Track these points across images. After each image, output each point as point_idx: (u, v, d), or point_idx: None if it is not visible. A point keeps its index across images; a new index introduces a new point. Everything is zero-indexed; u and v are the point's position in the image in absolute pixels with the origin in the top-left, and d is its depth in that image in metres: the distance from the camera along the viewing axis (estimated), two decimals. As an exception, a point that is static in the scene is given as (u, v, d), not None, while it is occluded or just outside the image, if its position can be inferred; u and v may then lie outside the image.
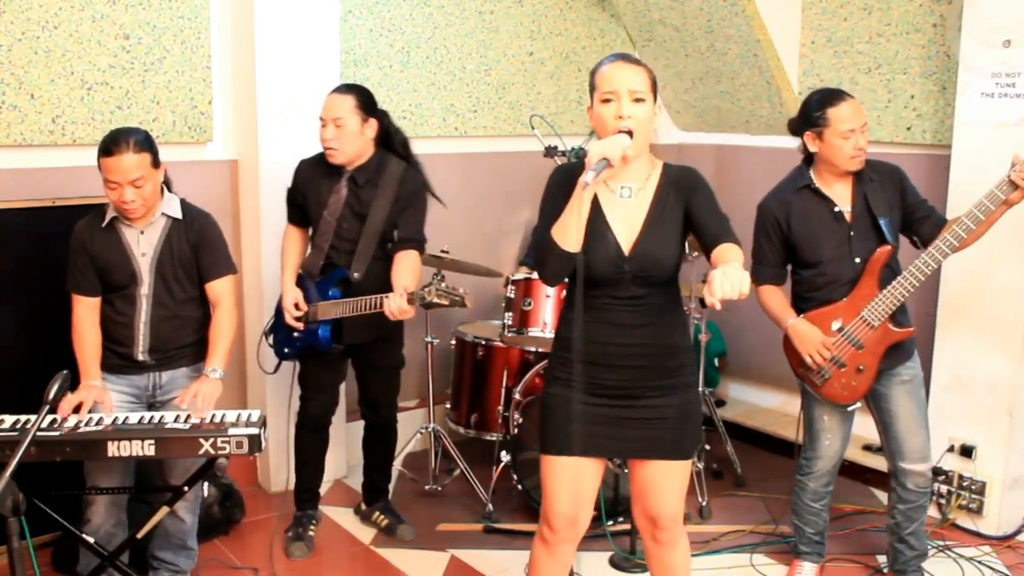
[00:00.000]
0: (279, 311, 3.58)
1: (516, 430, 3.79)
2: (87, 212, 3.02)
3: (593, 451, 2.48)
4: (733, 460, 4.36)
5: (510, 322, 3.94)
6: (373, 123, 3.38)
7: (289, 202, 3.57)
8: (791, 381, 3.30)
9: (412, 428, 4.25)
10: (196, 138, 3.92)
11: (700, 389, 3.99)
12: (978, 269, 3.63)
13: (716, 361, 5.06)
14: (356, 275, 3.41)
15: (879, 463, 4.16)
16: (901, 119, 4.18)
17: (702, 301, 2.50)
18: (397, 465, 4.02)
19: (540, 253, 2.41)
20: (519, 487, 3.80)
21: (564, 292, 3.79)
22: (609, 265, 2.38)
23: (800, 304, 3.17)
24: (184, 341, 3.05)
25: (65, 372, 2.36)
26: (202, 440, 2.71)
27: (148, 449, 2.70)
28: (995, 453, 3.72)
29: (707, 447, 4.24)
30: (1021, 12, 3.50)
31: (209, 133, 3.96)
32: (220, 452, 2.72)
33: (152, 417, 2.81)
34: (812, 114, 3.05)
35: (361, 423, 3.81)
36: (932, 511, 3.84)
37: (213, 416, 2.82)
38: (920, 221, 3.11)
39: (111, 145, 2.79)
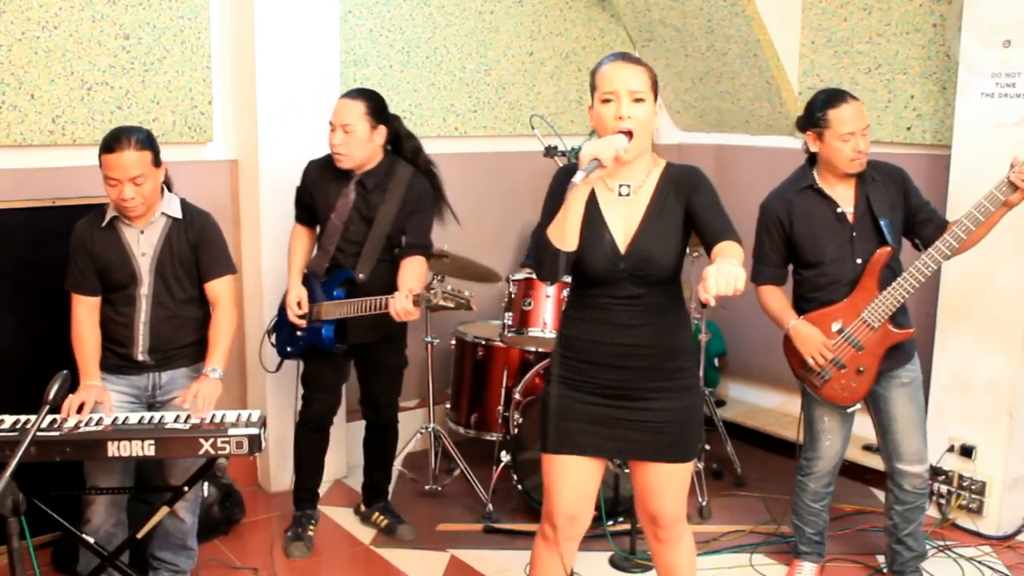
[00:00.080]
0: (282, 309, 3.58)
1: (516, 430, 3.79)
2: (87, 212, 3.02)
3: (593, 451, 2.48)
4: (733, 460, 4.36)
5: (510, 322, 3.94)
6: (382, 130, 3.38)
7: (297, 202, 3.57)
8: (791, 381, 3.30)
9: (412, 428, 4.25)
10: (196, 138, 3.92)
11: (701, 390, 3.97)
12: (978, 270, 3.63)
13: (716, 361, 5.06)
14: (361, 276, 3.41)
15: (879, 463, 4.15)
16: (901, 119, 4.18)
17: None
18: (397, 465, 4.02)
19: (537, 253, 2.41)
20: (519, 487, 3.80)
21: (564, 292, 3.84)
22: (605, 263, 2.38)
23: (801, 304, 3.17)
24: (184, 341, 3.05)
25: (65, 372, 2.36)
26: (202, 440, 2.71)
27: (148, 449, 2.70)
28: (995, 453, 3.72)
29: (707, 447, 4.24)
30: (1021, 12, 3.49)
31: (209, 133, 3.96)
32: (220, 452, 2.72)
33: (152, 417, 2.81)
34: (814, 114, 3.05)
35: (361, 423, 3.81)
36: (932, 511, 3.84)
37: (213, 416, 2.82)
38: (922, 224, 3.10)
39: (112, 142, 2.80)
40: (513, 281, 3.98)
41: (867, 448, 4.29)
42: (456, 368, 4.29)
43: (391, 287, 3.31)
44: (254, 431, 2.74)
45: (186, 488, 2.89)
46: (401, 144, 3.50)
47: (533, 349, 4.03)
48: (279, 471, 4.15)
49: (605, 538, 3.55)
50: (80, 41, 3.58)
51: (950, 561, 3.56)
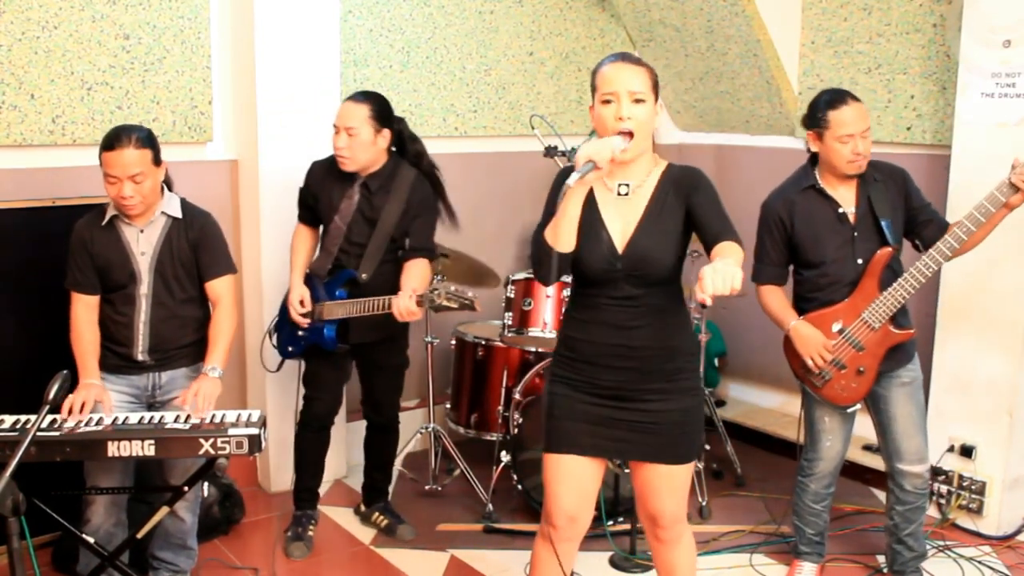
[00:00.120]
0: (284, 309, 3.59)
1: (516, 430, 3.79)
2: (87, 212, 3.02)
3: (593, 451, 2.48)
4: (733, 460, 4.36)
5: (510, 322, 3.94)
6: (387, 133, 3.38)
7: (300, 202, 3.57)
8: (791, 381, 3.30)
9: (412, 428, 4.25)
10: (196, 138, 3.92)
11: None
12: (978, 270, 3.63)
13: (716, 361, 5.06)
14: (364, 276, 3.41)
15: (879, 463, 4.15)
16: (901, 119, 4.18)
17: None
18: (397, 465, 4.02)
19: (535, 254, 2.41)
20: (519, 487, 3.79)
21: (564, 292, 3.84)
22: (602, 263, 2.38)
23: (802, 304, 3.17)
24: (184, 341, 3.05)
25: (65, 372, 2.36)
26: (202, 440, 2.72)
27: (148, 449, 2.70)
28: (995, 453, 3.72)
29: (707, 447, 4.24)
30: (1021, 12, 3.49)
31: (209, 133, 3.96)
32: (220, 452, 2.72)
33: (152, 417, 2.81)
34: (816, 114, 3.05)
35: (362, 423, 3.81)
36: (932, 511, 3.84)
37: (213, 416, 2.82)
38: (923, 225, 3.10)
39: (113, 140, 2.81)
40: (513, 281, 3.98)
41: (867, 448, 4.29)
42: (456, 368, 4.29)
43: (394, 288, 3.31)
44: (254, 431, 2.74)
45: (186, 488, 2.89)
46: (405, 146, 3.50)
47: (533, 349, 4.03)
48: (279, 471, 4.15)
49: (605, 538, 3.55)
50: (80, 41, 3.58)
51: (950, 561, 3.56)
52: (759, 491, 4.22)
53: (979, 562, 3.55)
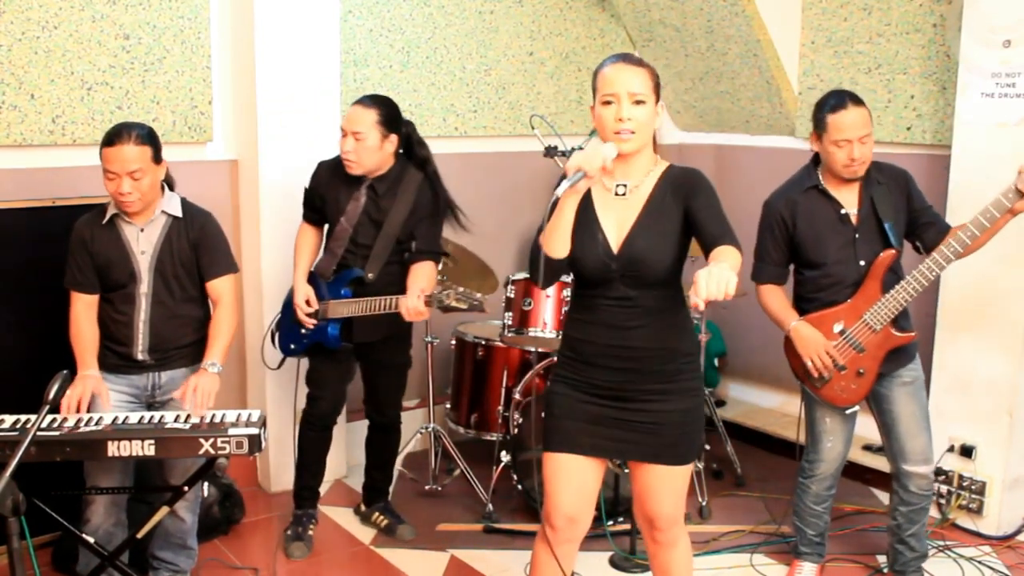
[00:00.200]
0: (286, 307, 3.59)
1: (516, 430, 3.79)
2: (87, 212, 3.02)
3: (593, 451, 2.48)
4: (733, 460, 4.36)
5: (510, 322, 3.94)
6: (394, 138, 3.38)
7: (306, 203, 3.56)
8: (791, 381, 3.30)
9: (412, 428, 4.25)
10: (196, 138, 3.92)
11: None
12: (978, 270, 3.63)
13: (716, 361, 5.06)
14: (370, 275, 3.41)
15: (879, 463, 4.16)
16: (901, 119, 4.18)
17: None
18: (397, 465, 4.02)
19: (531, 257, 2.42)
20: (519, 487, 3.80)
21: (564, 292, 3.84)
22: (597, 263, 2.38)
23: (802, 305, 3.17)
24: (184, 341, 3.05)
25: (65, 372, 2.36)
26: (202, 440, 2.71)
27: (148, 449, 2.70)
28: (995, 453, 3.72)
29: (707, 447, 4.24)
30: (1021, 12, 3.49)
31: (209, 133, 3.96)
32: (220, 452, 2.72)
33: (152, 417, 2.81)
34: (817, 115, 3.04)
35: (362, 423, 3.81)
36: (932, 511, 3.82)
37: (213, 416, 2.82)
38: (924, 227, 3.10)
39: (113, 136, 2.81)
40: (513, 281, 3.98)
41: (867, 448, 4.29)
42: (456, 368, 4.29)
43: (399, 288, 3.33)
44: (254, 431, 2.74)
45: (186, 488, 2.89)
46: (413, 150, 3.50)
47: (533, 349, 4.03)
48: (279, 471, 4.15)
49: (605, 538, 3.55)
50: (80, 41, 3.58)
51: (950, 561, 3.56)
52: (759, 491, 4.22)
53: (979, 562, 3.55)
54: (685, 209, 2.37)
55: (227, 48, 3.97)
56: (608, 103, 2.33)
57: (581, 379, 2.47)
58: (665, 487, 2.49)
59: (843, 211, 3.07)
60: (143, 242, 2.96)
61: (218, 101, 3.97)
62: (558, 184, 2.26)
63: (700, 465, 4.02)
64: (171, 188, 3.05)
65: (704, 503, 3.97)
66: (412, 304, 3.19)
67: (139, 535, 2.91)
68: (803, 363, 3.12)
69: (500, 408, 4.08)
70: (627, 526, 3.61)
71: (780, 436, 4.61)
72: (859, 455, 4.25)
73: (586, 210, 2.39)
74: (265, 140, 3.92)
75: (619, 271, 2.38)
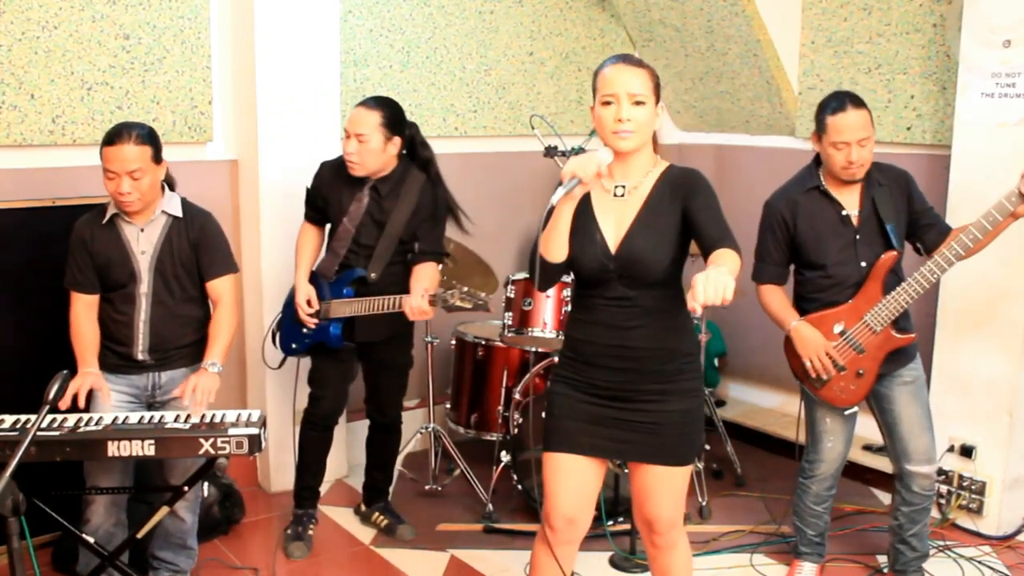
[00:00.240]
0: (287, 307, 3.59)
1: (516, 430, 3.79)
2: (87, 212, 3.02)
3: (592, 451, 2.48)
4: (733, 460, 4.36)
5: (510, 322, 3.94)
6: (397, 141, 3.38)
7: (308, 202, 3.56)
8: (791, 381, 3.30)
9: (412, 428, 4.25)
10: (196, 138, 3.92)
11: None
12: (979, 270, 3.62)
13: (716, 361, 5.06)
14: (373, 275, 3.41)
15: (879, 463, 4.16)
16: (901, 119, 4.18)
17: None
18: (397, 465, 4.02)
19: (530, 261, 2.43)
20: (519, 487, 3.80)
21: (564, 292, 3.84)
22: (595, 263, 2.39)
23: (803, 305, 3.16)
24: (184, 341, 3.05)
25: (65, 372, 2.36)
26: (202, 440, 2.71)
27: (148, 449, 2.70)
28: (995, 453, 3.72)
29: (707, 447, 4.24)
30: (1021, 12, 3.49)
31: (209, 133, 3.96)
32: (220, 452, 2.72)
33: (152, 417, 2.81)
34: (818, 116, 3.04)
35: (363, 423, 3.81)
36: (932, 511, 3.83)
37: (213, 416, 2.82)
38: (925, 228, 3.09)
39: (114, 136, 2.81)
40: (513, 281, 3.98)
41: (867, 448, 4.29)
42: (456, 368, 4.29)
43: (401, 288, 3.34)
44: (254, 431, 2.74)
45: (186, 488, 2.89)
46: (416, 152, 3.50)
47: (533, 349, 4.03)
48: (279, 471, 4.15)
49: (605, 538, 3.55)
50: (80, 41, 3.58)
51: (950, 561, 3.56)
52: (759, 491, 4.22)
53: (979, 562, 3.55)
54: (683, 209, 2.37)
55: (227, 48, 3.97)
56: (608, 103, 2.33)
57: (581, 379, 2.47)
58: (664, 489, 2.48)
59: (844, 212, 3.07)
60: (143, 242, 2.96)
61: (218, 101, 3.97)
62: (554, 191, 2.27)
63: (700, 465, 4.02)
64: (171, 188, 3.05)
65: (704, 503, 3.97)
66: (416, 303, 3.19)
67: (139, 535, 2.91)
68: (803, 363, 3.12)
69: (500, 408, 4.08)
70: (627, 526, 3.61)
71: (780, 436, 4.61)
72: (859, 455, 4.25)
73: (585, 211, 2.40)
74: (265, 140, 3.92)
75: (617, 271, 2.38)
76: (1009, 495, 3.75)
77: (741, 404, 5.09)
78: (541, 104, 4.86)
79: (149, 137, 2.86)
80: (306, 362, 3.69)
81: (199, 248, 3.01)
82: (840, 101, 2.99)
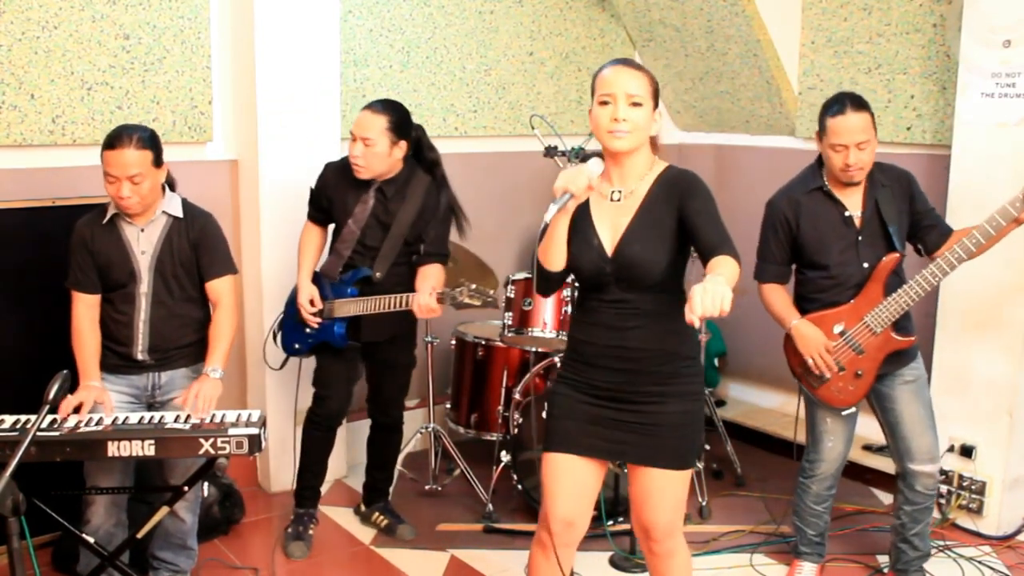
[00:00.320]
0: (289, 306, 3.58)
1: (516, 430, 3.79)
2: (87, 212, 3.02)
3: (591, 451, 2.48)
4: (733, 460, 4.36)
5: (510, 322, 3.94)
6: (403, 145, 3.37)
7: (312, 202, 3.56)
8: (791, 381, 3.30)
9: (412, 428, 4.24)
10: (196, 138, 3.92)
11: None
12: (979, 271, 3.62)
13: (716, 361, 5.06)
14: (378, 275, 3.42)
15: (879, 463, 4.17)
16: (901, 119, 4.18)
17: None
18: (397, 465, 4.02)
19: (532, 266, 2.45)
20: (519, 487, 3.80)
21: (564, 292, 3.84)
22: (592, 267, 2.40)
23: (804, 304, 3.16)
24: (184, 341, 3.05)
25: (65, 372, 2.36)
26: (202, 440, 2.71)
27: (148, 449, 2.70)
28: (995, 453, 3.72)
29: (707, 447, 4.24)
30: (1021, 12, 3.49)
31: (209, 133, 3.95)
32: (220, 452, 2.72)
33: (152, 417, 2.81)
34: (820, 117, 3.04)
35: (363, 423, 3.81)
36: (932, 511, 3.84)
37: (213, 416, 2.82)
38: (926, 230, 3.10)
39: (114, 139, 2.80)
40: (513, 281, 3.99)
41: (867, 448, 4.29)
42: (456, 368, 4.29)
43: (406, 288, 3.34)
44: (254, 431, 2.74)
45: (186, 488, 2.89)
46: (422, 154, 3.50)
47: (533, 349, 4.03)
48: (279, 471, 4.15)
49: (605, 538, 3.54)
50: (80, 41, 3.58)
51: (950, 561, 3.56)
52: (759, 491, 4.22)
53: (979, 562, 3.55)
54: (679, 212, 2.35)
55: (227, 48, 3.97)
56: (605, 103, 2.34)
57: (582, 380, 2.47)
58: (661, 494, 2.46)
59: (847, 213, 3.07)
60: (143, 242, 2.96)
61: (218, 101, 3.97)
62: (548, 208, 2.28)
63: (700, 465, 4.02)
64: (172, 188, 3.05)
65: (704, 503, 3.97)
66: (424, 301, 3.20)
67: (139, 535, 2.91)
68: (802, 361, 3.13)
69: (500, 408, 4.08)
70: (627, 526, 3.61)
71: (780, 436, 4.61)
72: (859, 455, 4.26)
73: (582, 215, 2.41)
74: (265, 140, 3.92)
75: (614, 274, 2.38)
76: (1009, 495, 3.75)
77: (741, 404, 5.09)
78: (541, 104, 4.86)
79: (150, 141, 2.85)
80: (307, 362, 3.69)
81: (199, 248, 3.01)
82: (841, 103, 2.99)
